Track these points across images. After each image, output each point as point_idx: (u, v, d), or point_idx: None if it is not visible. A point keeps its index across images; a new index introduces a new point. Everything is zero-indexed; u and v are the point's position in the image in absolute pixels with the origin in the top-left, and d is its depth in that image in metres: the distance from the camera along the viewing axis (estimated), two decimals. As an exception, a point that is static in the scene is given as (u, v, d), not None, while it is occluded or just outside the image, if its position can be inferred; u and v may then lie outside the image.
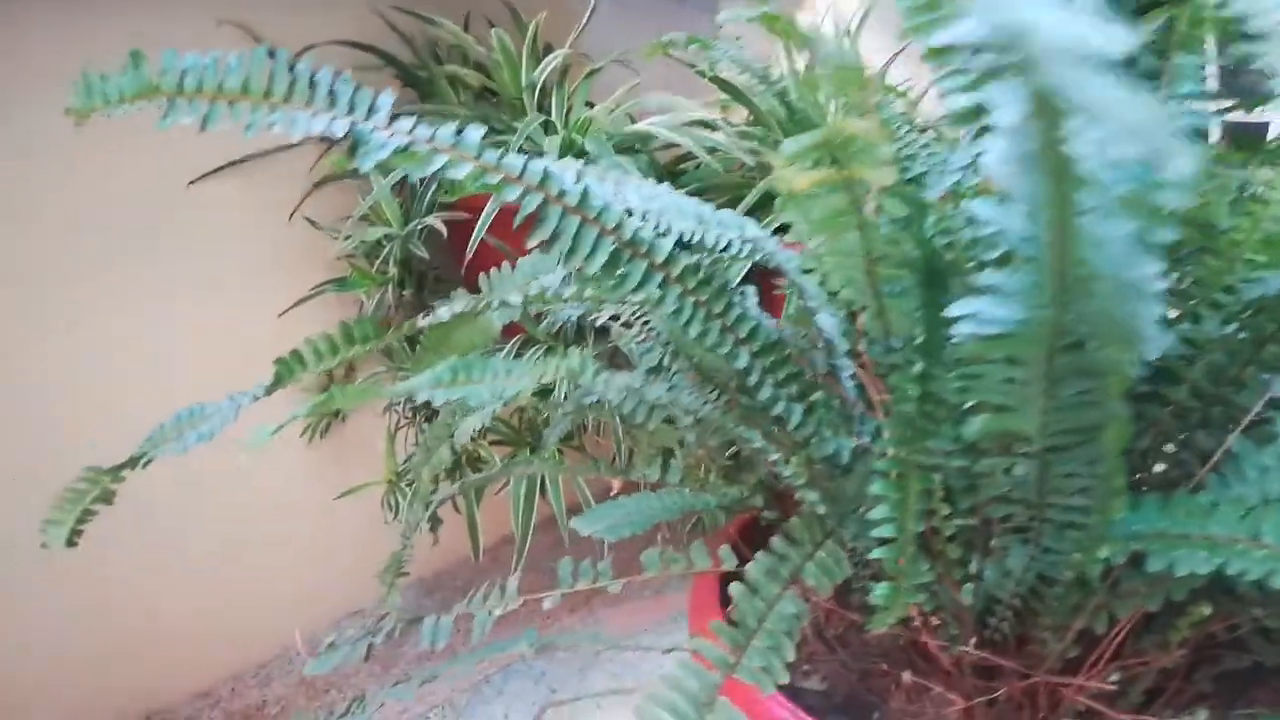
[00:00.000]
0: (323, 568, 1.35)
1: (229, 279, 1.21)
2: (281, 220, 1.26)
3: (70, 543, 0.53)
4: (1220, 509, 0.46)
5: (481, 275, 0.70)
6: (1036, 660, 0.54)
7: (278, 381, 0.50)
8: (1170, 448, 0.53)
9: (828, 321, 0.54)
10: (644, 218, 0.49)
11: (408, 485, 1.22)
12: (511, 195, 0.44)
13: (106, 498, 0.58)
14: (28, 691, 1.11)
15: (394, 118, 0.45)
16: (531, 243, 0.44)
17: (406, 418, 1.26)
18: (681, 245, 0.49)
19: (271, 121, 0.44)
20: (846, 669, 0.64)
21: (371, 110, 0.45)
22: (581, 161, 0.65)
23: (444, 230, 1.14)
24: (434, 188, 1.16)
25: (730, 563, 0.57)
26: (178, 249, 1.16)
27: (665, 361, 0.67)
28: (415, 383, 0.45)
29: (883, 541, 0.44)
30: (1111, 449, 0.40)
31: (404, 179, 1.18)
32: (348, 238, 1.17)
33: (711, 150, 1.20)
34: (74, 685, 1.13)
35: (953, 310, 0.34)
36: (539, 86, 1.27)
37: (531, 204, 0.44)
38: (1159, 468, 0.54)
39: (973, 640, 0.53)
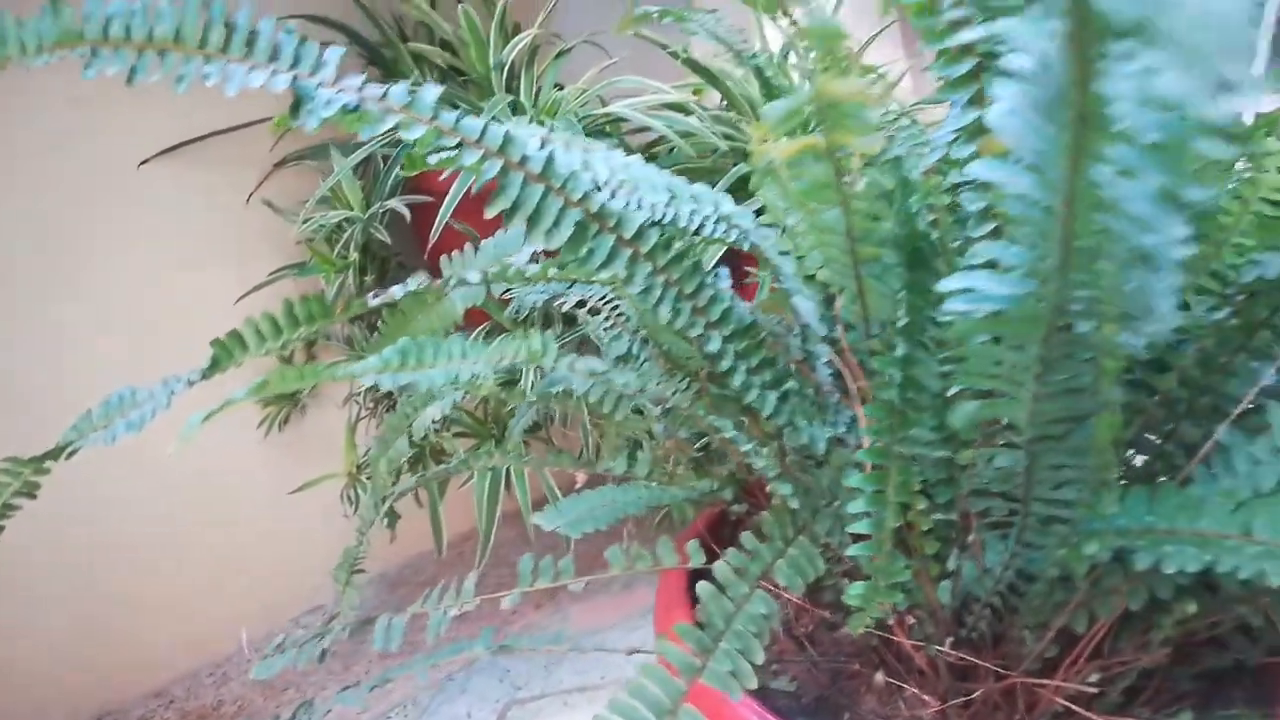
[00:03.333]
0: (282, 563, 1.30)
1: (183, 265, 1.16)
2: (239, 203, 1.21)
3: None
4: (1210, 503, 0.44)
5: (443, 257, 0.67)
6: (1014, 660, 0.52)
7: (215, 365, 0.46)
8: (1153, 438, 0.51)
9: (804, 305, 0.52)
10: (614, 191, 0.46)
11: (368, 478, 1.18)
12: (469, 160, 0.41)
13: (29, 490, 0.54)
14: (-36, 693, 1.06)
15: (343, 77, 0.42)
16: (491, 212, 0.41)
17: (368, 409, 1.22)
18: (654, 223, 0.46)
19: (205, 74, 0.41)
20: (816, 669, 0.62)
21: (318, 65, 0.42)
22: (548, 129, 0.61)
23: (407, 214, 1.09)
24: (396, 168, 1.12)
25: (698, 559, 0.55)
26: (127, 233, 1.10)
27: (634, 349, 0.64)
28: (362, 366, 0.41)
29: (859, 537, 0.42)
30: (1104, 439, 0.38)
31: (367, 160, 1.14)
32: (307, 221, 1.12)
33: (684, 135, 1.17)
34: (25, 685, 1.08)
35: (946, 284, 0.31)
36: (507, 67, 1.23)
37: (491, 170, 0.41)
38: (1145, 459, 0.52)
39: (948, 640, 0.51)
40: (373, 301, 0.61)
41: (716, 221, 0.46)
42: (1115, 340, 0.31)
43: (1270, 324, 0.48)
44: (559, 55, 1.26)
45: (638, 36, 1.27)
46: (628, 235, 0.44)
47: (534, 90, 1.23)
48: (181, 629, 1.21)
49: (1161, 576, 0.45)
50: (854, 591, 0.43)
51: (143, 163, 1.12)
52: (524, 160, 0.42)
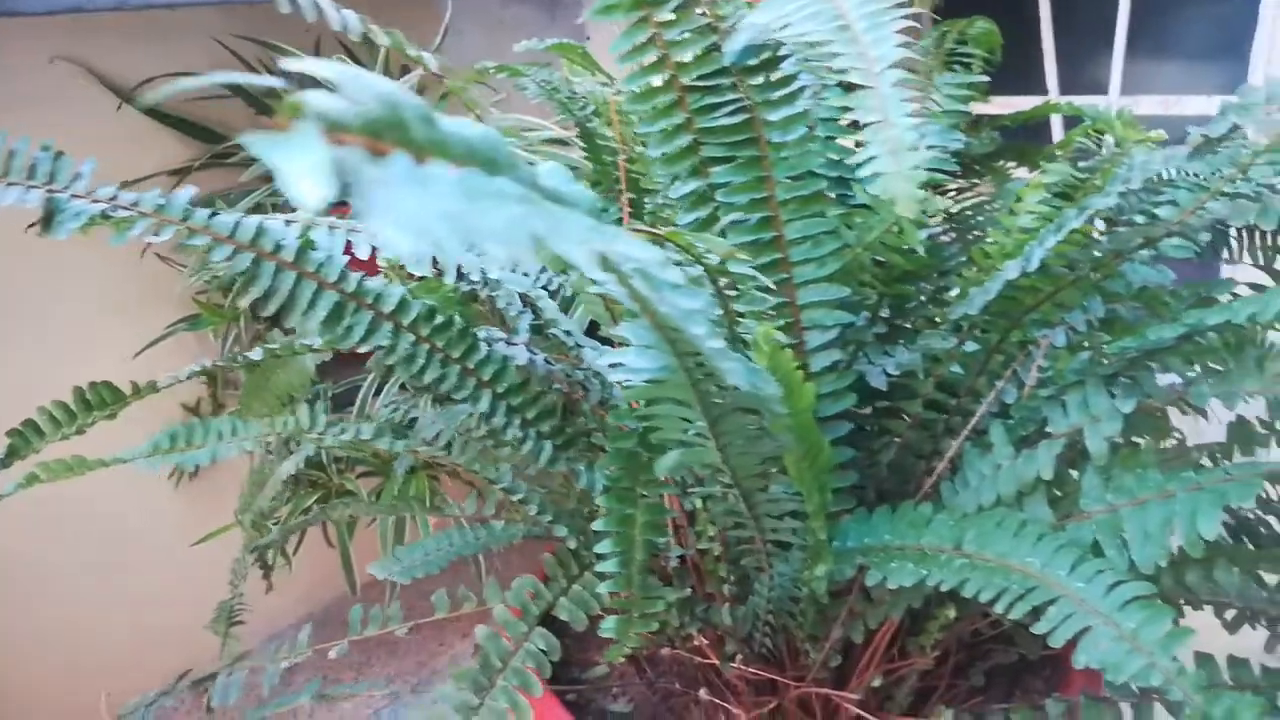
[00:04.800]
0: (191, 614, 1.31)
1: (79, 322, 1.17)
2: (135, 256, 1.23)
3: None
4: (937, 520, 0.48)
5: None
6: (806, 671, 0.56)
7: (12, 453, 0.49)
8: (916, 459, 0.56)
9: (591, 354, 0.55)
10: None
11: (273, 525, 1.20)
12: (219, 256, 0.44)
13: None
14: None
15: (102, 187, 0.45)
16: (243, 302, 0.44)
17: (270, 455, 1.24)
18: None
19: (-37, 193, 0.44)
20: (652, 690, 0.65)
21: (75, 178, 0.45)
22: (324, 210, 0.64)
23: (293, 263, 1.12)
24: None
25: (518, 599, 0.58)
26: (20, 294, 1.12)
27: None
28: (134, 452, 0.44)
29: (610, 575, 0.45)
30: (801, 475, 0.42)
31: (256, 209, 1.16)
32: (196, 273, 1.14)
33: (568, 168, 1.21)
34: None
35: (603, 360, 0.35)
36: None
37: (242, 263, 0.44)
38: (902, 479, 0.56)
39: (739, 656, 0.55)
40: (232, 362, 0.64)
41: (483, 285, 0.50)
42: (763, 398, 0.35)
43: (1002, 348, 0.53)
44: (444, 96, 1.30)
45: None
46: (387, 310, 0.47)
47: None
48: (85, 684, 1.22)
49: (908, 588, 0.49)
50: (607, 625, 0.46)
51: (31, 225, 1.14)
52: (277, 249, 0.45)
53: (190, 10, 1.29)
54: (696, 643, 0.58)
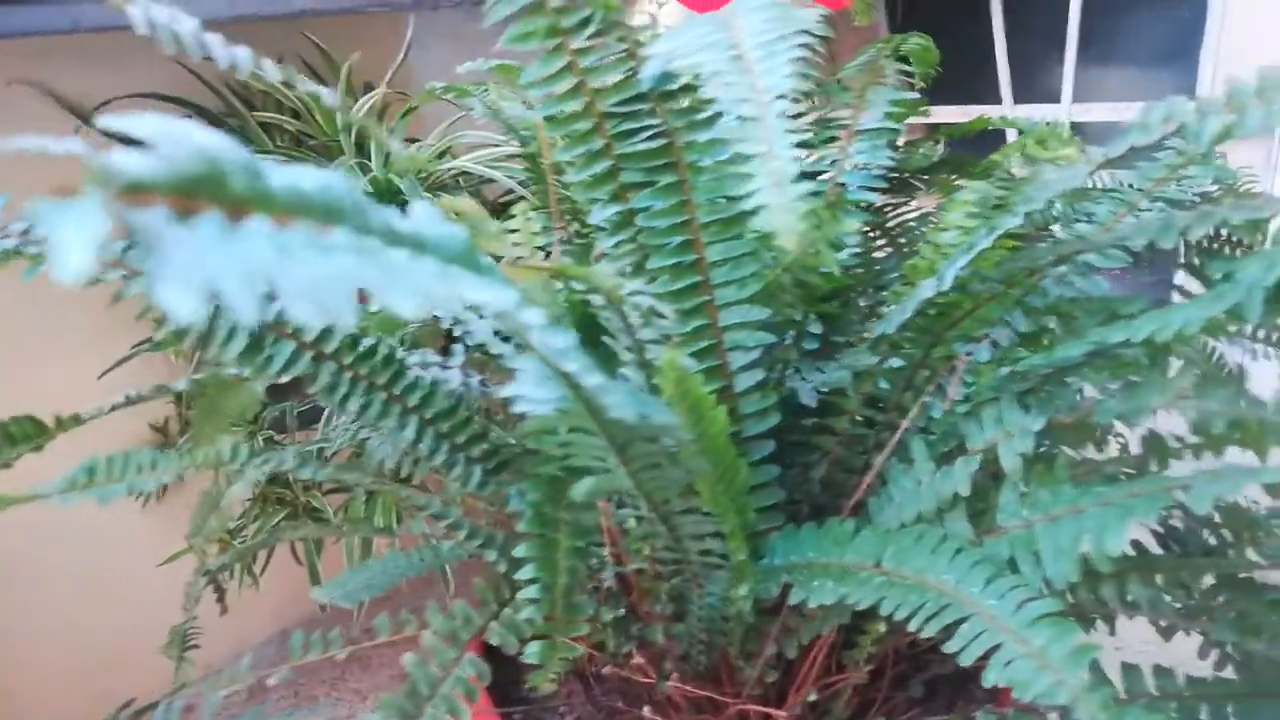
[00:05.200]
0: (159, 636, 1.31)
1: (46, 345, 1.17)
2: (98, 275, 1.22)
3: None
4: (860, 536, 0.48)
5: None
6: (744, 687, 0.56)
7: (-64, 486, 0.49)
8: (846, 474, 0.56)
9: (525, 376, 0.55)
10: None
11: (239, 543, 1.19)
12: (137, 288, 0.44)
13: None
14: None
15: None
16: (158, 335, 0.44)
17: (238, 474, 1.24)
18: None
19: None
20: (597, 708, 0.65)
21: (-11, 211, 0.45)
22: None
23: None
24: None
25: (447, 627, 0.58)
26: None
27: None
28: (47, 487, 0.44)
29: (534, 600, 0.46)
30: (716, 498, 0.42)
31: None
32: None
33: (526, 184, 1.21)
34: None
35: (503, 391, 0.35)
36: (356, 127, 1.26)
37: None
38: (833, 496, 0.57)
39: (674, 674, 0.55)
40: (182, 386, 0.64)
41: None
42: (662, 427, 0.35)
43: (926, 363, 0.53)
44: (406, 113, 1.30)
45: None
46: (308, 339, 0.47)
47: (384, 150, 1.27)
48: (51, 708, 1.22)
49: (832, 605, 0.49)
50: (530, 651, 0.46)
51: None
52: (196, 281, 0.45)
53: (150, 31, 1.29)
54: (636, 660, 0.58)
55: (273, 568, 1.31)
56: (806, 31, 0.35)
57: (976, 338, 0.52)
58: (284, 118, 1.27)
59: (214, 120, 1.28)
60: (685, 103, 0.47)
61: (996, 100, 1.34)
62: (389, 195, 1.20)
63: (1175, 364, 0.49)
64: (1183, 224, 0.39)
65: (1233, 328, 0.57)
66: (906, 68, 0.74)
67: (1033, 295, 0.52)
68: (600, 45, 0.47)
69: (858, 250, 0.64)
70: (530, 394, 0.35)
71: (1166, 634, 0.56)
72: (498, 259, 0.46)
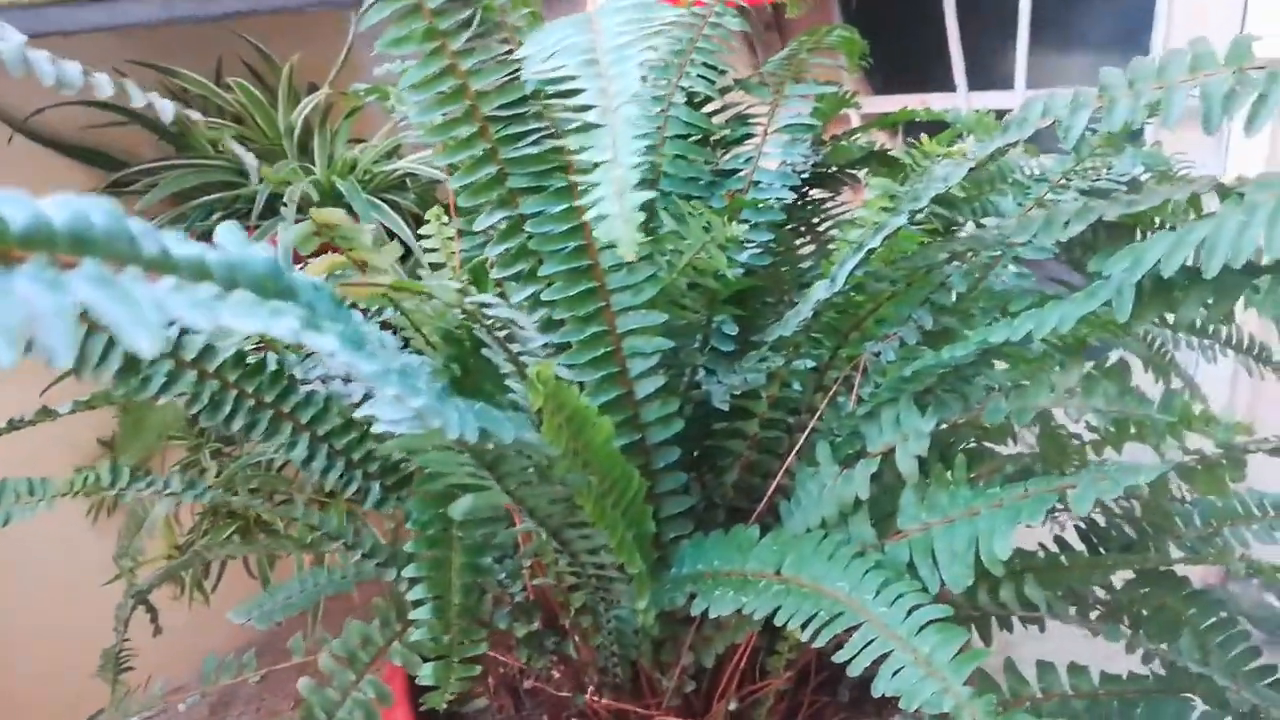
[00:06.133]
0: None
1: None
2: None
3: None
4: (761, 543, 0.47)
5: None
6: (663, 699, 0.55)
7: None
8: (755, 480, 0.55)
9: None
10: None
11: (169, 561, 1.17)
12: None
13: None
14: None
15: None
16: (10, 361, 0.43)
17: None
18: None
19: None
20: (527, 721, 0.64)
21: None
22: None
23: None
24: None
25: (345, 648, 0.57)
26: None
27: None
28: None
29: (426, 620, 0.44)
30: (601, 512, 0.41)
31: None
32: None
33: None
34: None
35: (360, 411, 0.34)
36: (298, 130, 1.24)
37: (25, 318, 0.43)
38: (744, 502, 0.56)
39: (591, 689, 0.54)
40: (86, 405, 0.62)
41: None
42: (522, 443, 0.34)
43: (834, 365, 0.52)
44: (349, 115, 1.28)
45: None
46: (189, 357, 0.46)
47: (328, 151, 1.25)
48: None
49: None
50: (425, 673, 0.45)
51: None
52: (66, 302, 0.44)
53: (86, 37, 1.26)
54: (554, 674, 0.57)
55: (240, 582, 1.30)
56: (660, 34, 0.34)
57: (883, 337, 0.51)
58: (225, 122, 1.25)
59: (152, 125, 1.25)
60: (570, 105, 0.46)
61: (952, 88, 1.33)
62: (332, 199, 1.18)
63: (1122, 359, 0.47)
64: (1064, 218, 0.38)
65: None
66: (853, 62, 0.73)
67: (938, 293, 0.51)
68: (481, 46, 0.46)
69: (778, 248, 0.63)
70: (384, 413, 0.34)
71: (1093, 631, 0.56)
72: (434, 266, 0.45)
